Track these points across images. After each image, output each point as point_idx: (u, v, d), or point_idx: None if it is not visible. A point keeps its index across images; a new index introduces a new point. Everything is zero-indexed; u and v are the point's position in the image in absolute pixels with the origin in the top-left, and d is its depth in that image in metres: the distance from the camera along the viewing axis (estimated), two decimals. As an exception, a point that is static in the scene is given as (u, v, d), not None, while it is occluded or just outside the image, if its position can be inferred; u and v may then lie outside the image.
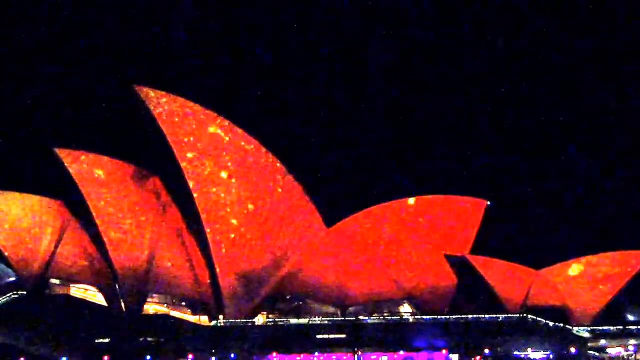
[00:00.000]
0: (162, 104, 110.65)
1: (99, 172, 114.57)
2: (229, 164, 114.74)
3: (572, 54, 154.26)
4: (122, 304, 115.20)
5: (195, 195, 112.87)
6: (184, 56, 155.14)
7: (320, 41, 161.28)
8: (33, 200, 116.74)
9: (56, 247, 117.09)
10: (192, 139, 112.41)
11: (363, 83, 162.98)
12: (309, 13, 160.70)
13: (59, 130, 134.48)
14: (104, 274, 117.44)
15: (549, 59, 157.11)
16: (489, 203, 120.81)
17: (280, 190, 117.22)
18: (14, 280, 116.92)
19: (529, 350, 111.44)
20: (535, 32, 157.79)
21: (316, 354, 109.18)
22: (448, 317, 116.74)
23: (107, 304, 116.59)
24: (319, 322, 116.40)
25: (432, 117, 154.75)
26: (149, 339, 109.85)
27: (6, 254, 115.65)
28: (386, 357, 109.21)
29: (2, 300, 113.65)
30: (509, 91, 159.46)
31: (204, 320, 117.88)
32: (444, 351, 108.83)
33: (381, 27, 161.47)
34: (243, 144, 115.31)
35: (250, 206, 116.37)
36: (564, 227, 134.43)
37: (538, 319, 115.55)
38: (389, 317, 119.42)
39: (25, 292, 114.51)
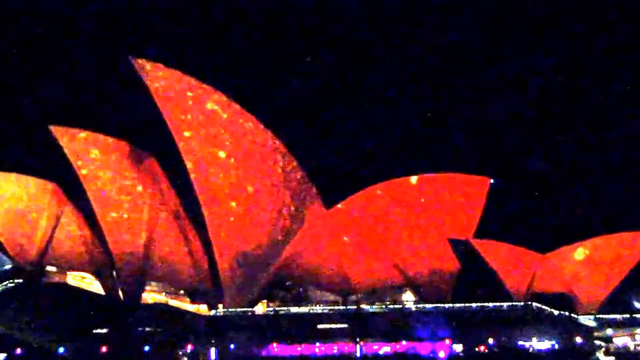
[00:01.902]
0: (158, 78, 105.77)
1: (95, 152, 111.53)
2: (227, 143, 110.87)
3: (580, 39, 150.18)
4: (120, 292, 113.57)
5: (192, 176, 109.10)
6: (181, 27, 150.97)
7: (325, 24, 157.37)
8: (29, 183, 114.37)
9: (53, 232, 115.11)
10: (189, 116, 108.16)
11: (366, 65, 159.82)
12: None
13: (54, 108, 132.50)
14: (101, 260, 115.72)
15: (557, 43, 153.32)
16: (492, 181, 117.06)
17: (279, 171, 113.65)
18: (9, 269, 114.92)
19: (534, 339, 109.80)
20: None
21: (317, 344, 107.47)
22: (451, 305, 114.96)
23: (105, 291, 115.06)
24: (320, 311, 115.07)
25: (435, 96, 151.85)
26: (147, 329, 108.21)
27: (2, 239, 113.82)
28: (388, 347, 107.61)
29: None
30: (514, 70, 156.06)
31: (203, 309, 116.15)
32: (447, 341, 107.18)
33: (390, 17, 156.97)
34: (241, 121, 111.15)
35: (250, 188, 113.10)
36: (569, 208, 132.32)
37: (543, 307, 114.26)
38: (391, 306, 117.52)
39: (21, 281, 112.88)
